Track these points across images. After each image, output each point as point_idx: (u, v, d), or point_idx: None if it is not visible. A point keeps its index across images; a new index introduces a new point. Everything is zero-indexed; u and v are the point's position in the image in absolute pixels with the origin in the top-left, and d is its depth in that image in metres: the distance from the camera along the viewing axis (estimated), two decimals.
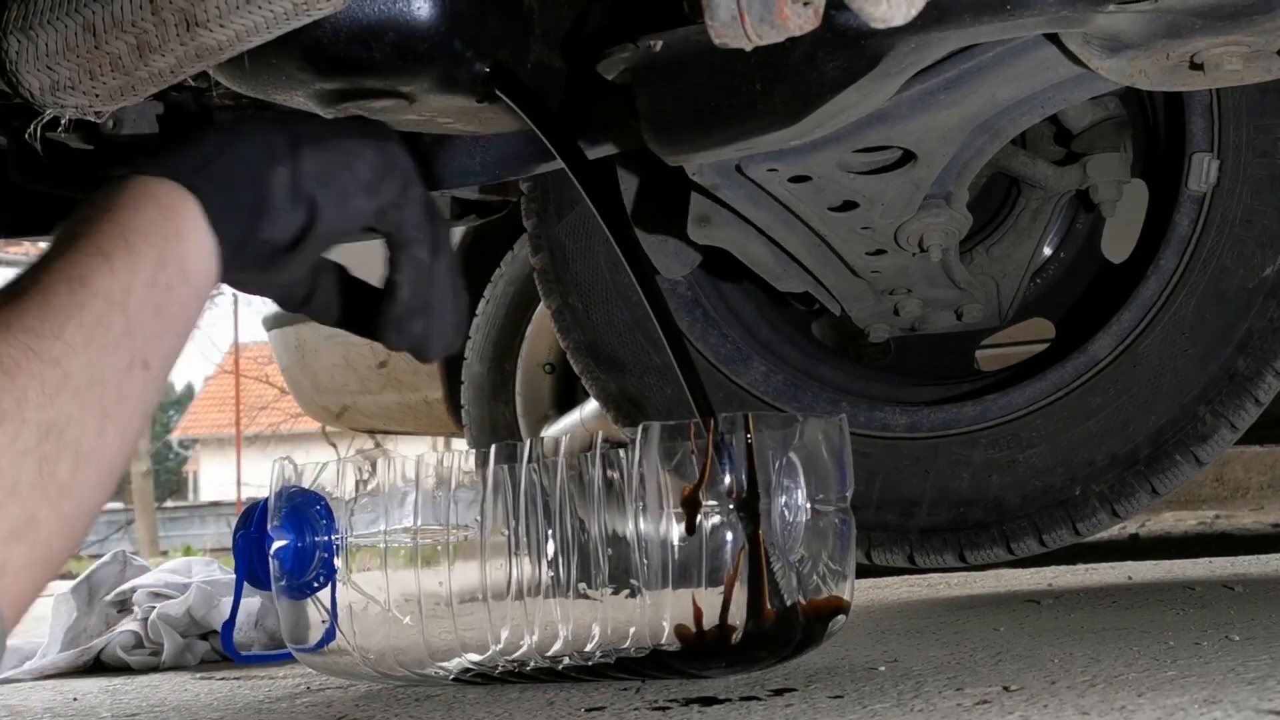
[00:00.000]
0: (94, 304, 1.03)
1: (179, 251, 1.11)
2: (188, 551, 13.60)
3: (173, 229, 1.11)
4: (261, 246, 1.21)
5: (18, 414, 0.94)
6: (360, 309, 1.36)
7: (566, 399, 4.00)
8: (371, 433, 6.28)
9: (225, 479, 25.66)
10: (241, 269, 1.20)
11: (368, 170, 1.26)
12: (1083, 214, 2.45)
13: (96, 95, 1.27)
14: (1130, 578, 2.75)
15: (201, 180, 1.15)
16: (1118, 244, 2.38)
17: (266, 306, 4.62)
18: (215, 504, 25.69)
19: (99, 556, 2.61)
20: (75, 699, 1.91)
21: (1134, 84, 1.62)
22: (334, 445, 15.63)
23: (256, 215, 1.19)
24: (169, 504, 25.46)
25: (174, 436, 30.41)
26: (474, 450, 1.73)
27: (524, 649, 1.54)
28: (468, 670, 1.60)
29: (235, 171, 1.18)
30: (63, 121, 1.31)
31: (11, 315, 0.99)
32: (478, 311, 3.94)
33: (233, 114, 1.88)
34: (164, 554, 15.56)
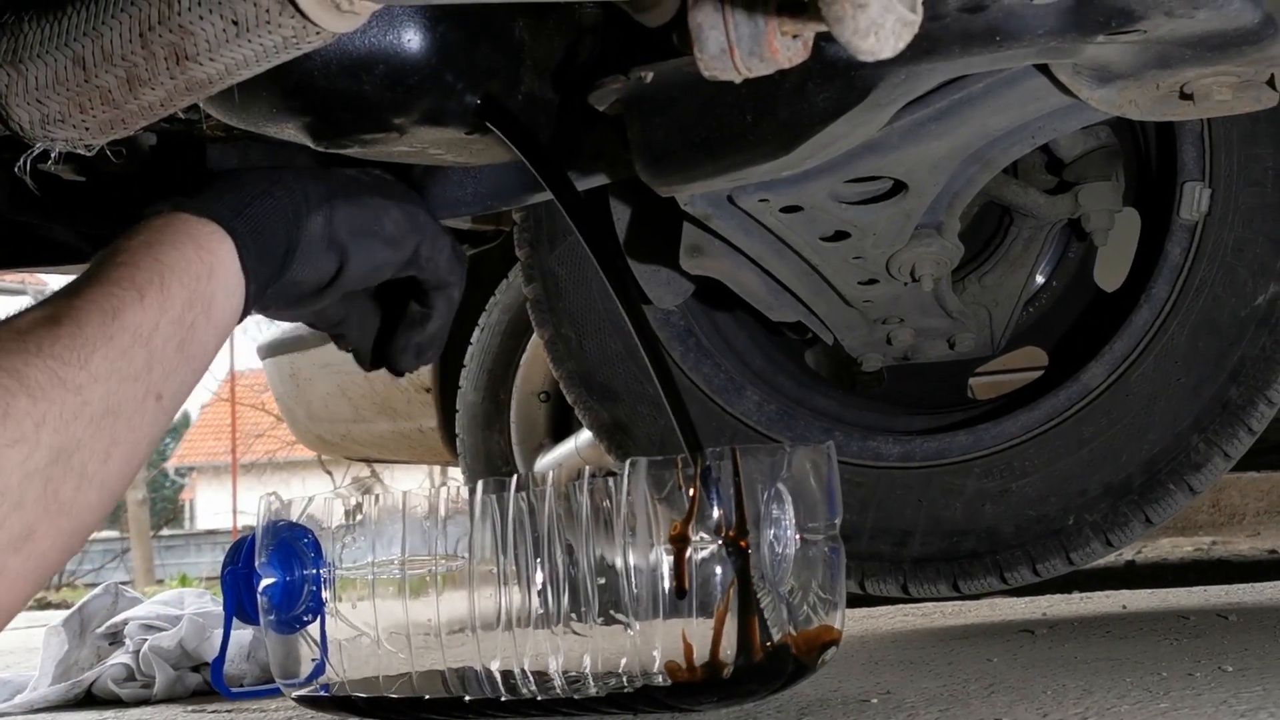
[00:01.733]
0: (122, 338, 1.10)
1: (208, 289, 1.19)
2: (184, 580, 13.58)
3: (205, 268, 1.20)
4: (292, 288, 1.32)
5: (34, 436, 1.00)
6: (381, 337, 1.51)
7: (561, 428, 3.99)
8: (367, 461, 6.27)
9: (221, 507, 25.62)
10: (267, 306, 1.33)
11: (393, 226, 1.40)
12: (1075, 243, 2.45)
13: (87, 128, 1.27)
14: (1125, 607, 2.75)
15: (240, 223, 1.24)
16: (1110, 272, 2.38)
17: (262, 335, 4.62)
18: (211, 532, 25.66)
19: (94, 586, 2.61)
20: None
21: (1124, 114, 1.63)
22: (329, 473, 15.63)
23: (288, 260, 1.29)
24: (165, 532, 25.41)
25: (170, 464, 30.36)
26: (463, 481, 1.73)
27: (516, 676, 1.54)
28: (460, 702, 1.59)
29: (272, 217, 1.28)
30: (53, 154, 1.31)
31: (45, 339, 1.06)
32: (472, 340, 3.94)
33: (224, 145, 1.88)
34: (160, 583, 15.54)
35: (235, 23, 1.12)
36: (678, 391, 1.53)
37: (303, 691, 1.66)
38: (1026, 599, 3.16)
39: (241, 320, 1.28)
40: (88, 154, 1.33)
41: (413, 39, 1.39)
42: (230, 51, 1.15)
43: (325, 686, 1.63)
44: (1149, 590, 3.26)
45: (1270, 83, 1.57)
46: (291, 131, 1.47)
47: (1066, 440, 2.21)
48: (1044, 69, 1.64)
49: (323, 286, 1.37)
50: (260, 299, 1.28)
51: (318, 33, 1.12)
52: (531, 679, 1.52)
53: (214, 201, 1.25)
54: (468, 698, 1.56)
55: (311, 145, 1.49)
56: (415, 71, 1.40)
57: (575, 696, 1.50)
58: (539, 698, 1.52)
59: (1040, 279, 2.45)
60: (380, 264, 1.40)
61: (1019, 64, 1.58)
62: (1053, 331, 2.47)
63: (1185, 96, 1.58)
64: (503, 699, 1.55)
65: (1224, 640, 1.94)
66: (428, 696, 1.59)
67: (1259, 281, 2.10)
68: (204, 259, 1.20)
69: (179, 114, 1.56)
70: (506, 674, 1.54)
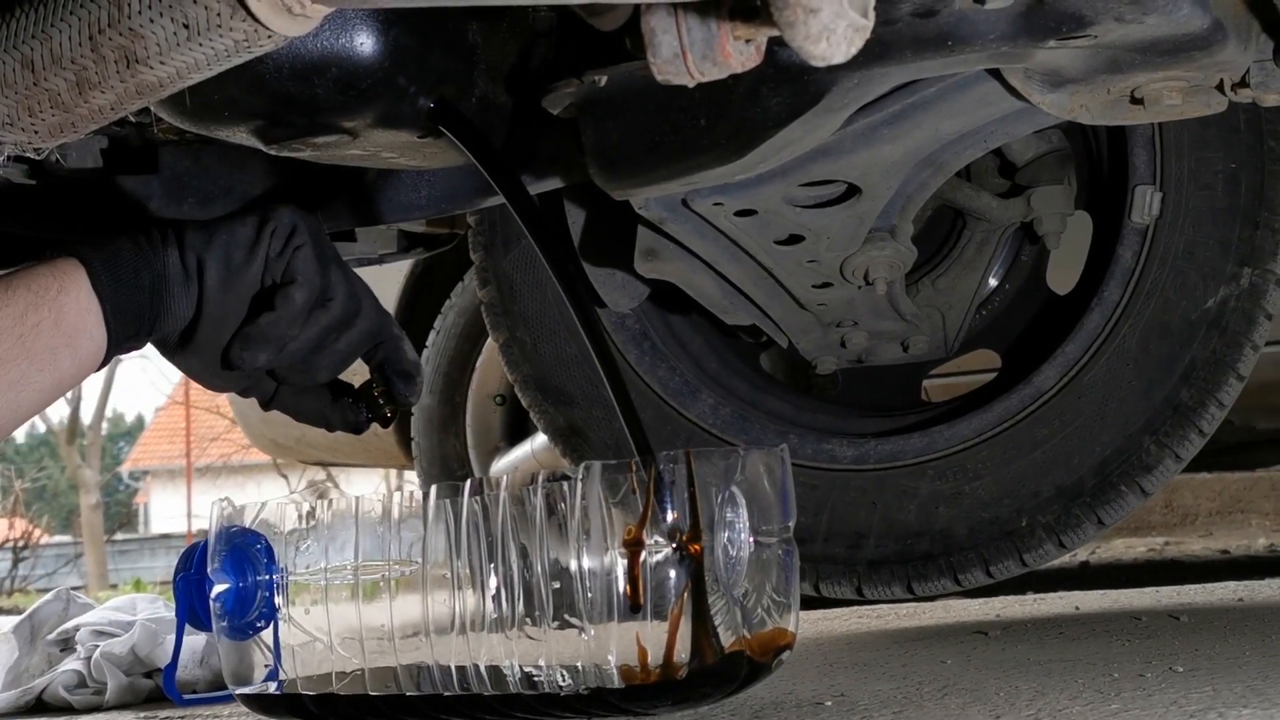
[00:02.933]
0: None
1: (57, 303, 1.37)
2: (137, 585, 13.47)
3: (56, 285, 1.37)
4: (169, 326, 1.45)
5: None
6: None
7: (517, 431, 3.99)
8: (322, 465, 6.25)
9: (176, 511, 25.47)
10: (140, 341, 1.46)
11: (248, 229, 1.47)
12: (1027, 246, 2.46)
13: (36, 132, 1.26)
14: (1078, 608, 2.76)
15: (91, 254, 1.40)
16: (1062, 276, 2.39)
17: None
18: (166, 536, 25.48)
19: (46, 591, 2.58)
20: None
21: (1075, 118, 1.64)
22: (285, 477, 15.56)
23: (160, 294, 1.43)
24: (119, 537, 25.20)
25: (124, 468, 30.16)
26: (418, 485, 1.73)
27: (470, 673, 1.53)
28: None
29: (123, 250, 1.41)
30: (1, 158, 1.30)
31: None
32: (428, 344, 3.93)
33: (175, 148, 1.88)
34: (113, 587, 15.42)
35: (186, 26, 1.11)
36: (628, 395, 1.53)
37: (250, 689, 1.65)
38: (980, 600, 3.17)
39: (118, 350, 1.43)
40: (37, 157, 1.33)
41: (365, 43, 1.39)
42: (181, 55, 1.14)
43: (279, 683, 1.62)
44: (1101, 591, 3.28)
45: (1219, 87, 1.58)
46: (244, 135, 1.46)
47: (1020, 442, 2.22)
48: (996, 74, 1.65)
49: (199, 313, 1.46)
50: (133, 326, 1.42)
51: (269, 36, 1.11)
52: (486, 676, 1.52)
53: (78, 245, 1.41)
54: (416, 694, 1.56)
55: (263, 149, 1.49)
56: (368, 75, 1.40)
57: (528, 693, 1.50)
58: (491, 694, 1.52)
59: (993, 282, 2.46)
60: (239, 270, 1.46)
61: (971, 69, 1.59)
62: (1006, 334, 2.48)
63: (1136, 101, 1.59)
64: (454, 695, 1.54)
65: (1175, 641, 1.95)
66: (377, 695, 1.58)
67: (1209, 284, 2.12)
68: (55, 278, 1.37)
69: (130, 117, 1.56)
70: (461, 669, 1.53)
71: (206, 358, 1.50)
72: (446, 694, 1.55)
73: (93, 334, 1.39)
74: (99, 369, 1.45)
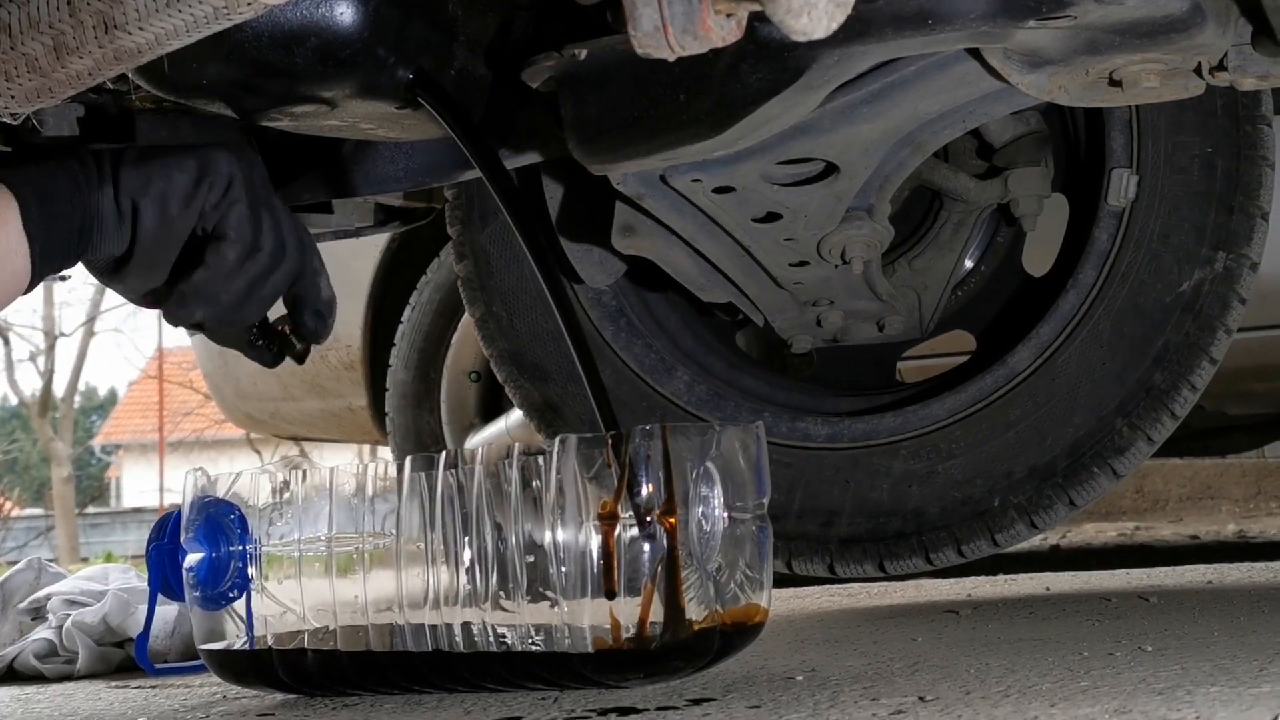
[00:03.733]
0: None
1: None
2: (109, 558, 13.44)
3: None
4: (102, 258, 1.48)
5: None
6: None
7: (492, 407, 3.99)
8: (296, 440, 6.24)
9: (148, 485, 25.42)
10: (67, 266, 1.48)
11: (186, 177, 1.47)
12: (1004, 228, 2.47)
13: (13, 97, 1.26)
14: (1048, 589, 2.77)
15: (28, 190, 1.40)
16: (1038, 257, 2.40)
17: None
18: (138, 510, 25.40)
19: (16, 563, 2.58)
20: None
21: (1054, 99, 1.64)
22: (258, 452, 15.53)
23: (89, 230, 1.44)
24: (90, 510, 25.11)
25: (96, 442, 30.06)
26: (394, 458, 1.73)
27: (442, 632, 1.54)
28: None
29: (60, 189, 1.42)
30: None
31: None
32: (403, 319, 3.92)
33: (153, 116, 1.86)
34: (84, 560, 15.37)
35: None
36: (597, 372, 1.53)
37: (217, 645, 1.65)
38: (952, 580, 3.19)
39: (40, 278, 1.44)
40: (13, 122, 1.32)
41: (345, 12, 1.38)
42: (160, 21, 1.14)
43: (250, 639, 1.62)
44: (1072, 573, 3.30)
45: (1197, 71, 1.59)
46: (221, 104, 1.46)
47: (993, 423, 2.23)
48: (975, 53, 1.65)
49: (130, 253, 1.48)
50: (59, 262, 1.44)
51: (249, 3, 1.11)
52: (459, 633, 1.52)
53: (12, 174, 1.42)
54: (388, 661, 1.56)
55: (241, 118, 1.48)
56: (347, 45, 1.40)
57: (499, 662, 1.50)
58: (462, 661, 1.52)
59: (969, 263, 2.47)
60: (175, 216, 1.47)
61: (951, 48, 1.59)
62: (981, 315, 2.49)
63: (1114, 83, 1.60)
64: (425, 663, 1.54)
65: (1144, 621, 1.96)
66: (347, 661, 1.58)
67: (1184, 268, 2.13)
68: None
69: (107, 85, 1.55)
70: (433, 628, 1.53)
71: (133, 287, 1.54)
72: (418, 661, 1.55)
73: (16, 267, 1.41)
74: (24, 294, 1.47)
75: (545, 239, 2.18)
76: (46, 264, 1.43)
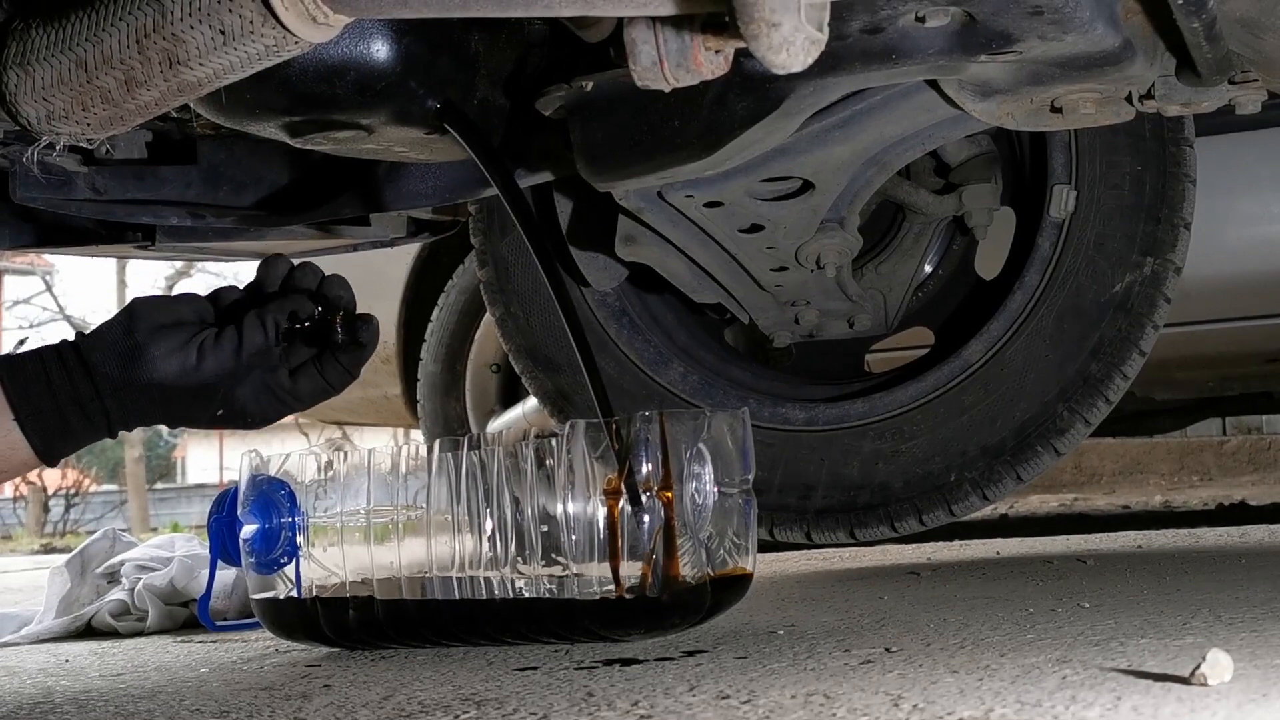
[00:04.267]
0: None
1: None
2: (175, 528, 13.44)
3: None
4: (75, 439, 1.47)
5: None
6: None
7: (510, 396, 3.99)
8: (338, 424, 6.23)
9: (209, 464, 25.45)
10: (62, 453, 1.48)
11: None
12: (958, 237, 2.47)
13: (88, 124, 1.25)
14: (998, 553, 2.77)
15: (8, 377, 1.43)
16: (989, 263, 2.40)
17: None
18: (201, 486, 25.39)
19: (94, 533, 2.57)
20: (67, 660, 1.88)
21: (1002, 124, 1.64)
22: (305, 435, 15.53)
23: (61, 417, 1.45)
24: (159, 486, 25.10)
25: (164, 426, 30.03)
26: (424, 440, 1.72)
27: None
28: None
29: (33, 378, 1.44)
30: (58, 147, 1.29)
31: None
32: (432, 318, 3.92)
33: (212, 141, 1.86)
34: (154, 530, 15.37)
35: (223, 32, 1.10)
36: (595, 364, 1.53)
37: (267, 595, 1.65)
38: (913, 545, 3.19)
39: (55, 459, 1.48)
40: (89, 147, 1.32)
41: (381, 49, 1.38)
42: (218, 58, 1.14)
43: (297, 586, 1.62)
44: (1019, 539, 3.30)
45: (1128, 99, 1.59)
46: (272, 130, 1.45)
47: (949, 408, 2.22)
48: (934, 84, 1.65)
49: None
50: (51, 451, 1.46)
51: (296, 42, 1.10)
52: (483, 586, 1.52)
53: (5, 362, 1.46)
54: (417, 613, 1.56)
55: (289, 142, 1.48)
56: (382, 78, 1.39)
57: (516, 614, 1.50)
58: (483, 615, 1.52)
59: (928, 268, 2.46)
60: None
61: (912, 79, 1.58)
62: (939, 314, 2.48)
63: (1055, 110, 1.59)
64: (452, 616, 1.54)
65: (1083, 581, 1.96)
66: (384, 614, 1.58)
67: (1117, 272, 2.13)
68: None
69: (172, 113, 1.55)
70: (459, 580, 1.54)
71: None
72: (445, 615, 1.55)
73: (11, 438, 1.44)
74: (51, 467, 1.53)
75: (554, 248, 2.18)
76: (50, 459, 1.47)
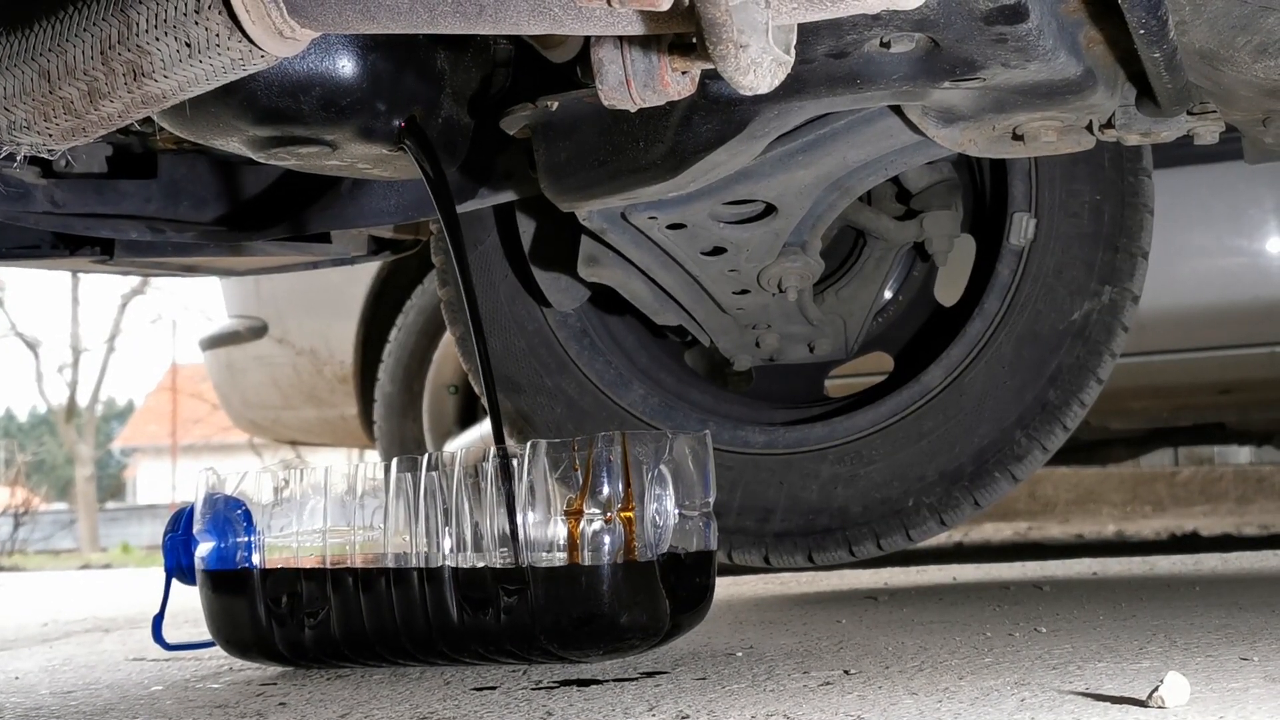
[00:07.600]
0: None
1: None
2: (125, 548, 13.28)
3: None
4: None
5: None
6: None
7: (468, 417, 3.98)
8: (293, 444, 6.20)
9: (161, 483, 25.21)
10: None
11: None
12: (919, 263, 2.48)
13: (50, 135, 1.24)
14: (955, 578, 2.78)
15: None
16: (949, 289, 2.41)
17: (201, 330, 4.55)
18: (151, 506, 25.16)
19: (45, 553, 2.54)
20: (17, 678, 1.86)
21: (964, 151, 1.65)
22: (259, 455, 15.43)
23: None
24: (109, 505, 24.87)
25: (115, 445, 29.78)
26: (381, 460, 1.71)
27: None
28: None
29: None
30: (18, 158, 1.28)
31: None
32: (390, 339, 3.91)
33: (174, 156, 1.85)
34: (103, 550, 15.19)
35: (189, 44, 1.10)
36: (494, 386, 1.53)
37: (216, 567, 1.63)
38: (871, 570, 3.19)
39: None
40: (50, 159, 1.31)
41: (346, 66, 1.38)
42: (183, 70, 1.13)
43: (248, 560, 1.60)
44: (975, 565, 3.31)
45: (1089, 128, 1.60)
46: (236, 144, 1.45)
47: (908, 433, 2.23)
48: (897, 110, 1.66)
49: None
50: None
51: (262, 56, 1.10)
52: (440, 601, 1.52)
53: None
54: (373, 634, 1.55)
55: (253, 157, 1.47)
56: (347, 94, 1.39)
57: (472, 636, 1.49)
58: (438, 636, 1.51)
59: (889, 293, 2.48)
60: None
61: (876, 105, 1.60)
62: (898, 339, 2.49)
63: (1017, 137, 1.61)
64: (407, 638, 1.53)
65: (1039, 607, 1.97)
66: (340, 628, 1.57)
67: (1075, 300, 2.15)
68: None
69: (134, 126, 1.54)
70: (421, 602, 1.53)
71: None
72: (401, 635, 1.54)
73: None
74: None
75: (517, 268, 2.18)
76: None
